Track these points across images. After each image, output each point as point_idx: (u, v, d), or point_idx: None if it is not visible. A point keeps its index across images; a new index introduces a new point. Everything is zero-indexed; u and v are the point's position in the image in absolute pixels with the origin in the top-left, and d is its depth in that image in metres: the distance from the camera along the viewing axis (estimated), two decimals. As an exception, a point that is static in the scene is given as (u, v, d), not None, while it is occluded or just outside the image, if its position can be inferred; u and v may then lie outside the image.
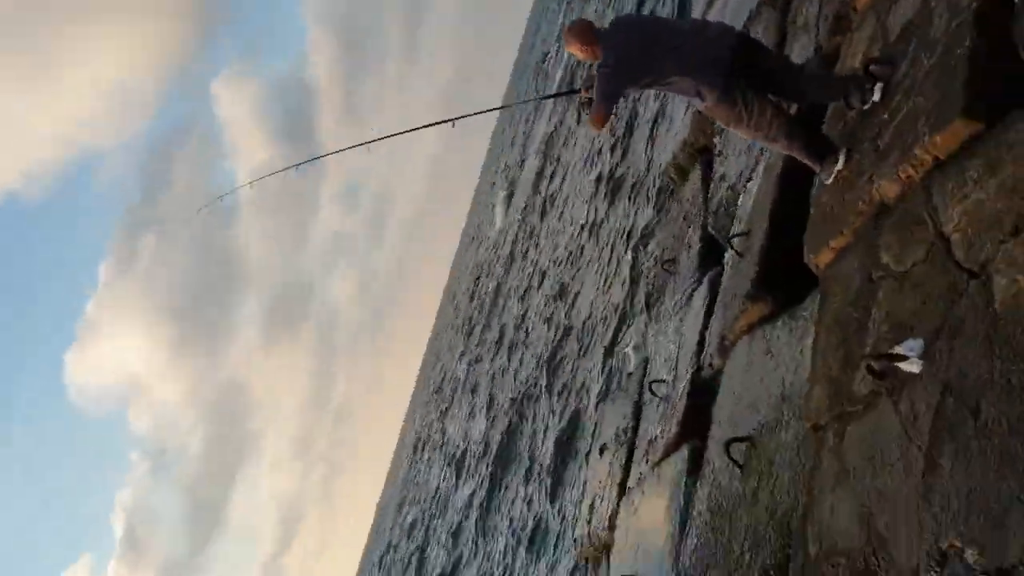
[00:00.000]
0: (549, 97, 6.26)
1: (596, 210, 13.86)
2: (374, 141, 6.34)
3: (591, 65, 4.59)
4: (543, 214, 20.24)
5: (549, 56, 30.19)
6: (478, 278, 30.56)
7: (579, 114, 4.76)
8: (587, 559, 6.48)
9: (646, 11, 15.23)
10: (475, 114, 6.12)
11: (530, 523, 10.83)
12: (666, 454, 5.17)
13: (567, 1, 30.77)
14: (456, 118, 6.04)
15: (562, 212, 17.54)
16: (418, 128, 6.22)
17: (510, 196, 28.75)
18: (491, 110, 6.25)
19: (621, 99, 4.47)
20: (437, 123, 6.24)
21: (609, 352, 9.91)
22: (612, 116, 4.46)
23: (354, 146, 6.46)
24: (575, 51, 4.48)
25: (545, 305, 15.54)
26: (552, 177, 20.84)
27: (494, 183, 35.67)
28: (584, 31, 4.41)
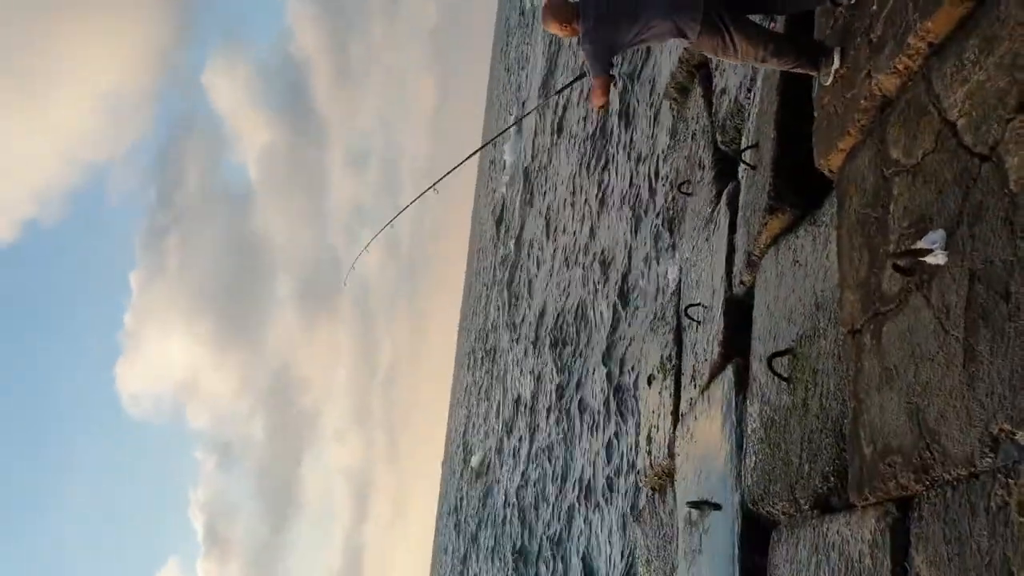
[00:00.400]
0: (561, 91, 6.29)
1: (605, 143, 13.76)
2: (440, 180, 6.45)
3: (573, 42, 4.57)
4: (552, 154, 20.12)
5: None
6: (499, 223, 30.53)
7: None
8: (653, 489, 6.58)
9: None
10: (496, 137, 6.25)
11: (597, 459, 10.98)
12: (712, 376, 5.22)
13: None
14: (482, 146, 6.19)
15: (570, 150, 17.44)
16: (465, 160, 6.32)
17: (518, 132, 28.51)
18: (507, 129, 6.27)
19: (614, 65, 4.43)
20: (473, 153, 6.38)
21: (641, 281, 9.93)
22: (612, 86, 4.45)
23: (423, 192, 6.67)
24: (554, 30, 4.44)
25: (573, 244, 15.54)
26: (556, 111, 20.66)
27: (499, 123, 35.45)
28: (559, 7, 4.35)
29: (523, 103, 27.78)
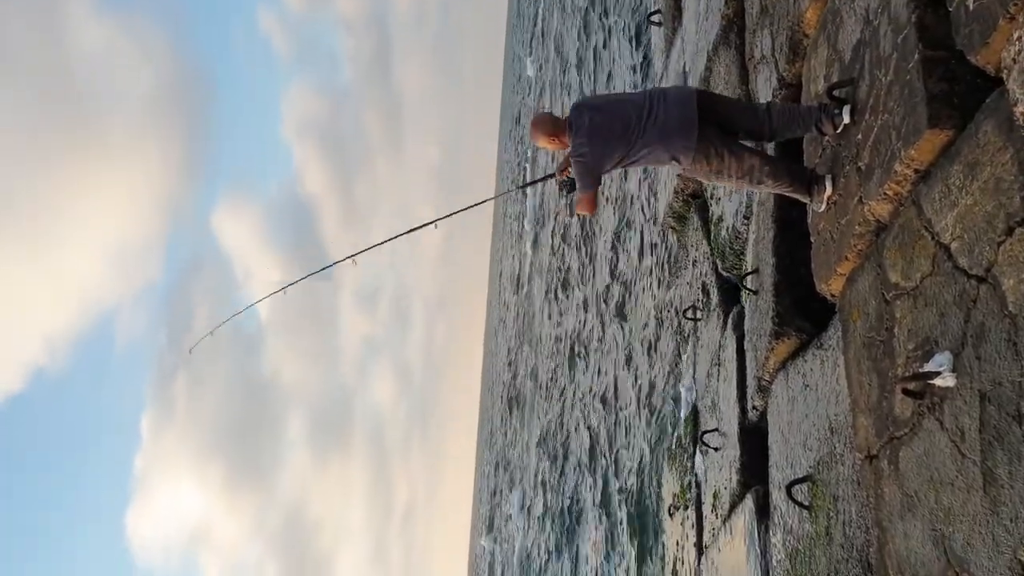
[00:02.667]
0: (527, 185, 6.48)
1: (612, 271, 13.90)
2: (359, 253, 6.42)
3: (556, 154, 4.70)
4: (564, 284, 20.30)
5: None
6: (511, 363, 30.50)
7: (568, 202, 4.84)
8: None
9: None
10: (456, 213, 6.23)
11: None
12: (733, 506, 5.12)
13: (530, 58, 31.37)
14: (437, 219, 6.14)
15: (581, 280, 17.60)
16: (397, 236, 6.30)
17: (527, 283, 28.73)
18: (469, 208, 6.29)
19: (603, 179, 4.53)
20: (416, 228, 6.31)
21: (655, 412, 9.86)
22: (600, 197, 4.54)
23: (339, 261, 6.53)
24: (543, 144, 4.58)
25: (583, 384, 15.49)
26: (554, 233, 20.96)
27: (503, 251, 35.91)
28: (546, 122, 4.54)
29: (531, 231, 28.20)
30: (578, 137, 4.33)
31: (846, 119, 3.89)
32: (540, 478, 18.92)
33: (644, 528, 9.93)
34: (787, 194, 4.35)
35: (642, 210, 11.89)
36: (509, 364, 29.99)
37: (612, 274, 13.80)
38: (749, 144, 4.37)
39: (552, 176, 4.93)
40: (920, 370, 3.00)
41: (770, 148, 4.89)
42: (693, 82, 6.84)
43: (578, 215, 4.67)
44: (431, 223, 6.09)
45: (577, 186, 4.44)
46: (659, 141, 4.19)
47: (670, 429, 8.95)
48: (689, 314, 6.98)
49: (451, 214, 6.15)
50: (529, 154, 28.73)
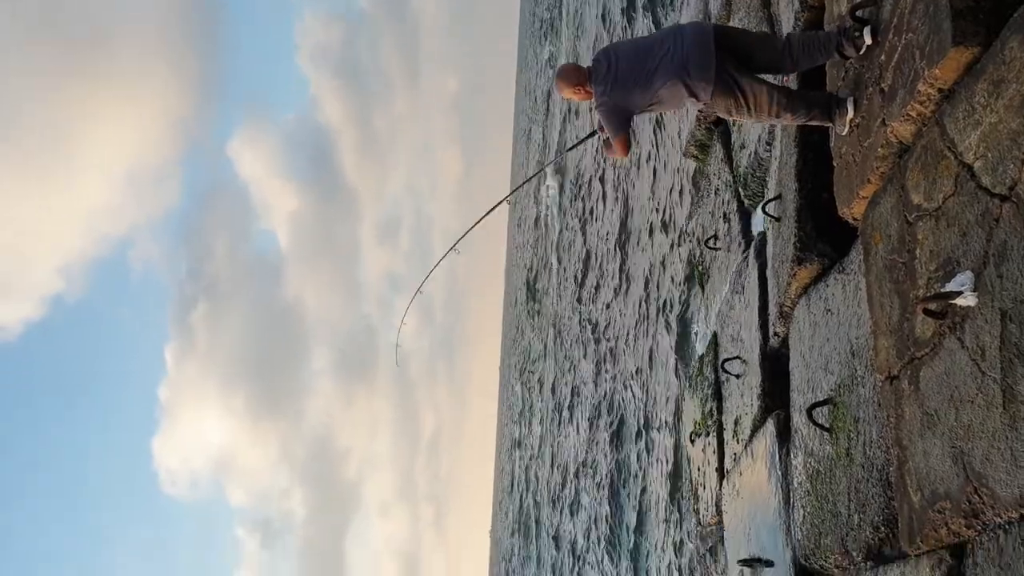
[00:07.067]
0: (573, 147, 6.38)
1: (628, 203, 13.86)
2: (461, 239, 6.58)
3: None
4: (584, 218, 20.27)
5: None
6: (534, 282, 30.62)
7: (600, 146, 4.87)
8: (703, 548, 6.48)
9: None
10: (514, 192, 6.36)
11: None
12: (754, 431, 5.19)
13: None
14: (508, 195, 6.37)
15: (596, 207, 17.56)
16: (484, 217, 6.44)
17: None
18: (524, 183, 6.46)
19: (632, 122, 4.53)
20: (501, 201, 6.50)
21: (681, 342, 9.91)
22: (632, 140, 4.54)
23: (445, 254, 6.80)
24: (568, 95, 4.58)
25: (601, 306, 15.55)
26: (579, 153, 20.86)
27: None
28: (571, 74, 4.52)
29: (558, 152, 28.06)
30: (598, 84, 4.36)
31: (868, 40, 3.84)
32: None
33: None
34: (809, 123, 4.32)
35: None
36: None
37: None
38: (769, 78, 4.34)
39: (596, 133, 4.90)
40: (941, 290, 3.01)
41: (791, 77, 4.84)
42: (714, 6, 6.74)
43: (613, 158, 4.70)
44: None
45: (607, 132, 4.47)
46: (677, 77, 4.18)
47: (691, 357, 9.01)
48: (711, 243, 6.98)
49: (512, 192, 6.35)
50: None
